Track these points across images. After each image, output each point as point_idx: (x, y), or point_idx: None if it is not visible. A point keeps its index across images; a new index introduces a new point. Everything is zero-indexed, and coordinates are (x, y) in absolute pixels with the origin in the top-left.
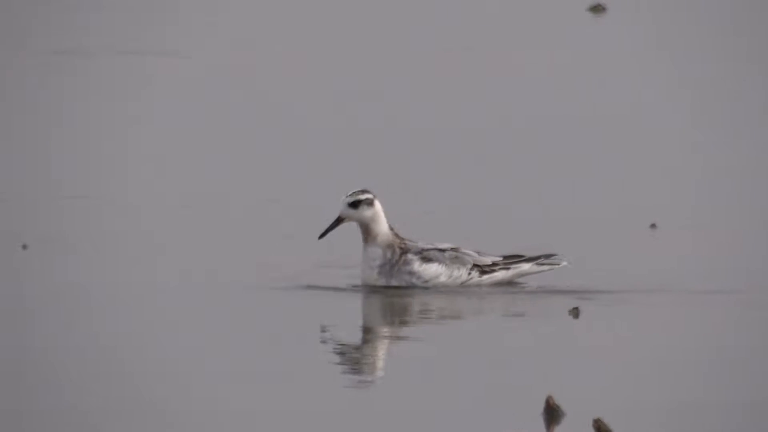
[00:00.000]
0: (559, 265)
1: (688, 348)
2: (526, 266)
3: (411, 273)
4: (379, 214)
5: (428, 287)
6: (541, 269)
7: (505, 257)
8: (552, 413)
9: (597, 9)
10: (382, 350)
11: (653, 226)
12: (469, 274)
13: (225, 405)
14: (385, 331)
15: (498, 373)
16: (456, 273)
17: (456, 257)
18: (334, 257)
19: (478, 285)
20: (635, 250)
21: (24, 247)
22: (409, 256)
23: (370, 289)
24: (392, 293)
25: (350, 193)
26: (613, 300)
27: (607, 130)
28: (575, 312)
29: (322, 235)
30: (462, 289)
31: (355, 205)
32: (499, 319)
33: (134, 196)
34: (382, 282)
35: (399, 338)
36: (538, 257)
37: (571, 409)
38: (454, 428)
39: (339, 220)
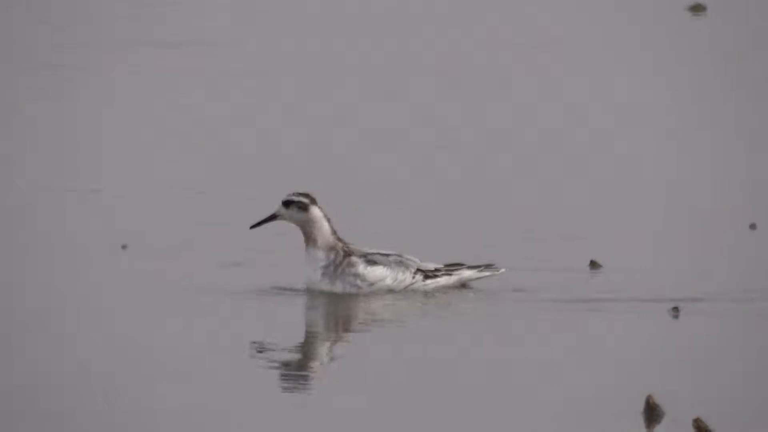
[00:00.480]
0: (499, 271)
1: None
2: (467, 272)
3: (356, 275)
4: (314, 220)
5: (372, 291)
6: (481, 275)
7: (447, 265)
8: (652, 412)
9: (697, 8)
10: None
11: (753, 226)
12: (414, 278)
13: (161, 404)
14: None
15: (597, 374)
16: (401, 276)
17: (400, 261)
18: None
19: (423, 290)
20: (719, 253)
21: (124, 247)
22: (353, 258)
23: (314, 294)
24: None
25: (289, 192)
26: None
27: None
28: (675, 312)
29: (253, 226)
30: (405, 293)
31: (286, 204)
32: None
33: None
34: (326, 284)
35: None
36: (479, 266)
37: (671, 409)
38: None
39: (272, 216)
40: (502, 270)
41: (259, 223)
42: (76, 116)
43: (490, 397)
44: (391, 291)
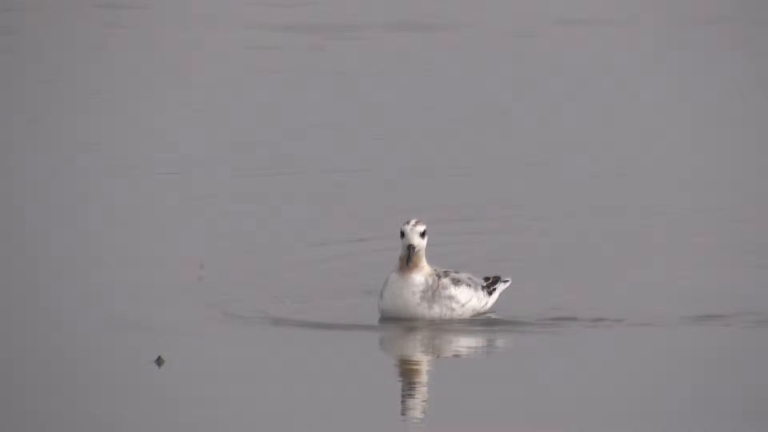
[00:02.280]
0: (507, 282)
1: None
2: (501, 287)
3: (450, 297)
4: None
5: (463, 312)
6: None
7: (486, 278)
8: None
9: None
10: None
11: None
12: (487, 296)
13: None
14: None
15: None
16: (481, 295)
17: (470, 278)
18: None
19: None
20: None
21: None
22: (444, 281)
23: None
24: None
25: (414, 222)
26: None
27: None
28: None
29: (407, 264)
30: (482, 313)
31: (423, 234)
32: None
33: None
34: (424, 306)
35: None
36: (498, 277)
37: None
38: None
39: (413, 248)
40: (508, 281)
41: (408, 260)
42: None
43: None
44: (475, 312)
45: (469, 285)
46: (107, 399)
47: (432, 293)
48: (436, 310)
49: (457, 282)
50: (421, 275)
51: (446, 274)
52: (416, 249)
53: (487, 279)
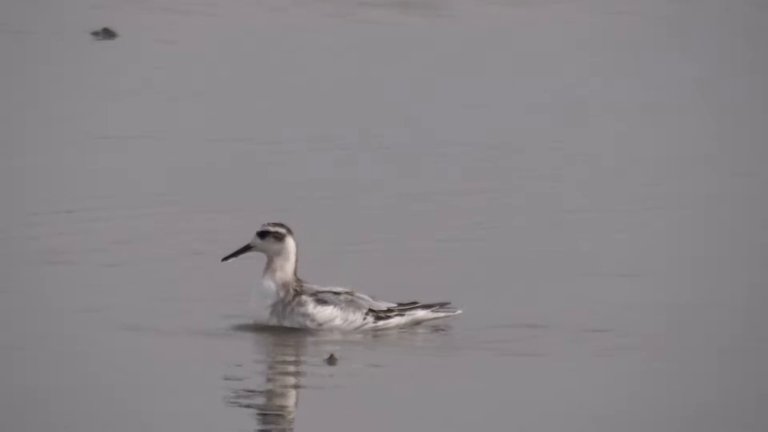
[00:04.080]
0: (455, 312)
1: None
2: (421, 312)
3: (305, 315)
4: (288, 252)
5: (321, 330)
6: (436, 315)
7: (400, 303)
8: None
9: None
10: None
11: None
12: (365, 318)
13: None
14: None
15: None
16: (351, 317)
17: (351, 301)
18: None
19: (374, 330)
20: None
21: None
22: (304, 297)
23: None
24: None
25: (265, 222)
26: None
27: None
28: None
29: (226, 258)
30: (355, 333)
31: (262, 235)
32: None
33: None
34: (273, 322)
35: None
36: (433, 305)
37: None
38: None
39: (246, 247)
40: (459, 311)
41: (233, 255)
42: None
43: None
44: (340, 331)
45: (336, 305)
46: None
47: (283, 308)
48: (287, 324)
49: (322, 302)
50: (273, 282)
51: (318, 293)
52: (252, 248)
53: (402, 304)
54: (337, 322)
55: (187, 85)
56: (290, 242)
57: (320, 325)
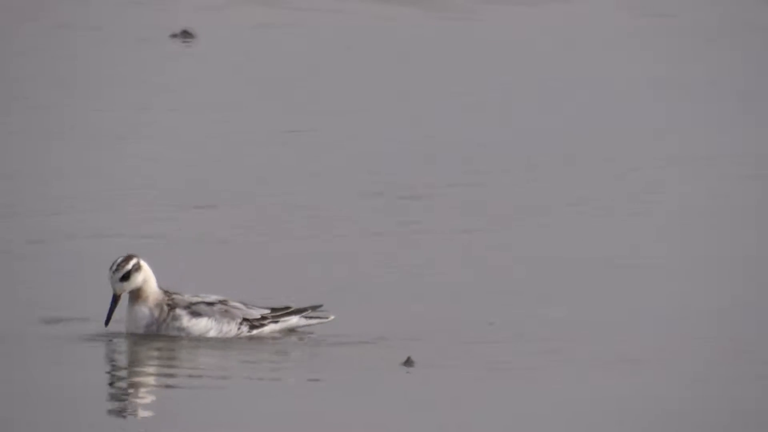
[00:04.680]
0: (327, 318)
1: None
2: (294, 319)
3: (180, 329)
4: (148, 274)
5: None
6: (309, 322)
7: (273, 309)
8: None
9: None
10: None
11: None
12: (239, 328)
13: None
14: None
15: None
16: (226, 328)
17: (225, 311)
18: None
19: (249, 339)
20: None
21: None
22: (178, 311)
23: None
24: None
25: (116, 266)
26: None
27: None
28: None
29: (107, 322)
30: (231, 342)
31: (125, 277)
32: None
33: None
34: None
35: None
36: (305, 309)
37: None
38: None
39: (116, 299)
40: (332, 317)
41: (109, 315)
42: None
43: None
44: (215, 341)
45: (210, 316)
46: None
47: (158, 326)
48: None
49: (197, 314)
50: (146, 307)
51: (191, 305)
52: (120, 296)
53: (275, 309)
54: (212, 333)
55: (266, 86)
56: (145, 265)
57: (195, 338)
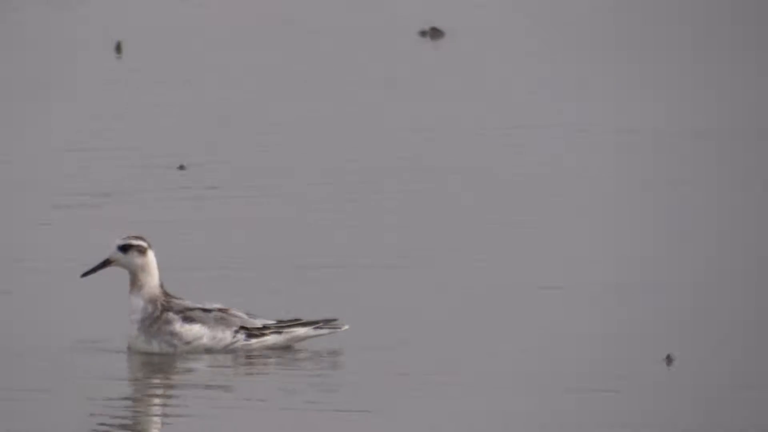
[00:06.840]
0: (340, 329)
1: None
2: (301, 330)
3: (171, 334)
4: (150, 265)
5: (189, 350)
6: (319, 333)
7: (281, 321)
8: None
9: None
10: None
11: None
12: (235, 336)
13: None
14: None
15: None
16: (220, 335)
17: (221, 318)
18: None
19: (247, 349)
20: None
21: None
22: (170, 315)
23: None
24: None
25: (124, 236)
26: None
27: None
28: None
29: (85, 274)
30: (226, 352)
31: (124, 249)
32: None
33: None
34: (141, 340)
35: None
36: (317, 321)
37: None
38: None
39: (106, 262)
40: (345, 327)
41: (91, 271)
42: None
43: None
44: (209, 350)
45: (204, 323)
46: None
47: (150, 323)
48: (155, 346)
49: (190, 320)
50: (141, 299)
51: (186, 310)
52: (112, 263)
53: (282, 322)
54: (205, 340)
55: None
56: (152, 256)
57: (187, 344)
